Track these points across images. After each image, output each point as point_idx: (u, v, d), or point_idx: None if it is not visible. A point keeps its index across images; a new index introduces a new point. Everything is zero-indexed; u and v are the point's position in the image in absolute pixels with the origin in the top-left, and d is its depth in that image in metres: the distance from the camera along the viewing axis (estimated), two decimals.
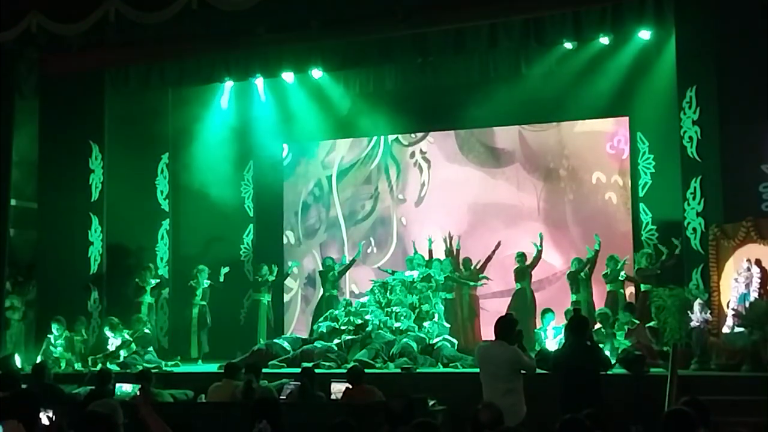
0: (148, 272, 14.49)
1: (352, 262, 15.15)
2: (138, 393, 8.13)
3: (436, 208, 14.50)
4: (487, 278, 14.19)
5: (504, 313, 10.23)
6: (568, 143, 15.12)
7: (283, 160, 16.67)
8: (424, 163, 15.97)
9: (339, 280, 15.01)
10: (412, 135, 16.08)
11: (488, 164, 15.53)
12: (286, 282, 16.19)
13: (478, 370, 8.18)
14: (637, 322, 12.11)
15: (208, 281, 14.59)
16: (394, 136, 16.12)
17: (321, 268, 15.28)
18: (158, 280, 14.70)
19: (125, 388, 9.90)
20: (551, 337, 12.56)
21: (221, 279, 14.72)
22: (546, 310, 13.10)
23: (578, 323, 8.76)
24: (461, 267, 14.32)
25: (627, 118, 14.61)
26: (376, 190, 16.18)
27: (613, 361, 10.85)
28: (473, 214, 14.81)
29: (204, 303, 14.61)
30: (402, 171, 16.08)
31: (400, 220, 15.83)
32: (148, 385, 8.96)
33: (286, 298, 16.01)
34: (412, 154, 16.07)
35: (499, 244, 14.22)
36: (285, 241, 16.52)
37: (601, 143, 14.91)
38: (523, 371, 7.85)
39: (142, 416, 5.48)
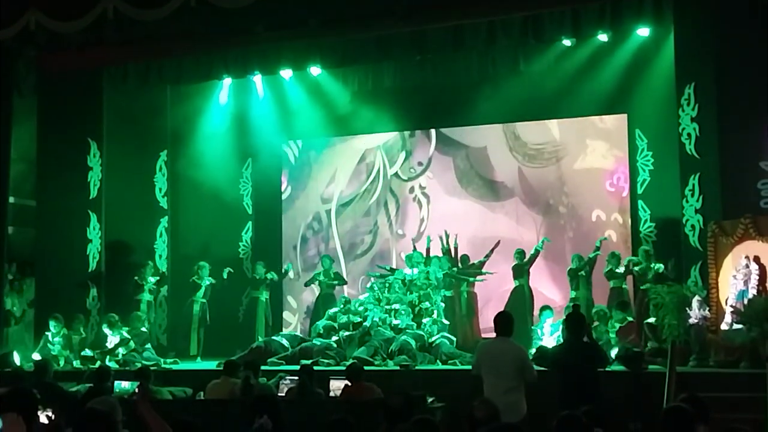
0: (147, 269, 14.48)
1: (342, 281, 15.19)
2: (137, 390, 8.13)
3: (435, 241, 14.42)
4: (490, 273, 14.15)
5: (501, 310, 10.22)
6: (568, 180, 15.02)
7: (282, 193, 16.56)
8: (424, 198, 15.90)
9: (333, 280, 15.00)
10: (411, 169, 15.97)
11: (487, 198, 15.44)
12: (285, 317, 16.16)
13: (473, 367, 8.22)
14: (630, 319, 12.13)
15: (210, 278, 14.58)
16: (394, 171, 16.04)
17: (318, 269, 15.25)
18: (158, 278, 14.70)
19: (124, 386, 9.91)
20: (548, 333, 12.58)
21: (224, 277, 14.69)
22: (544, 307, 13.14)
23: (575, 320, 8.76)
24: (459, 264, 14.30)
25: (627, 153, 14.53)
26: (375, 224, 16.11)
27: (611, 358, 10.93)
28: (473, 247, 14.61)
29: (205, 300, 14.60)
30: (401, 206, 16.02)
31: (399, 255, 15.55)
32: (147, 383, 8.95)
33: (285, 330, 15.57)
34: (411, 189, 15.99)
35: (498, 243, 14.22)
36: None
37: (601, 181, 14.80)
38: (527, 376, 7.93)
39: (140, 413, 5.48)
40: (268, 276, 14.84)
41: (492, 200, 15.41)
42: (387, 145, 16.17)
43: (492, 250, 14.14)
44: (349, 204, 16.29)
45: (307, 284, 15.40)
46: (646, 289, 12.54)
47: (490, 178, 15.51)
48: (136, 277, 14.33)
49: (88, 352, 13.13)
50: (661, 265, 12.74)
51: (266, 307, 14.93)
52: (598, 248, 13.54)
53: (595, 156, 14.90)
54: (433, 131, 15.89)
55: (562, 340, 11.31)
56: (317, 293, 15.09)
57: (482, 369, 7.99)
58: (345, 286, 15.47)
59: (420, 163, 15.87)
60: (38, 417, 5.41)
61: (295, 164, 16.66)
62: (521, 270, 13.98)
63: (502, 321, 8.22)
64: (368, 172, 16.23)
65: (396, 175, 16.09)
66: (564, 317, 9.75)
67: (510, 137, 15.39)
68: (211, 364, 12.52)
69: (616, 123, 14.77)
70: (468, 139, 15.68)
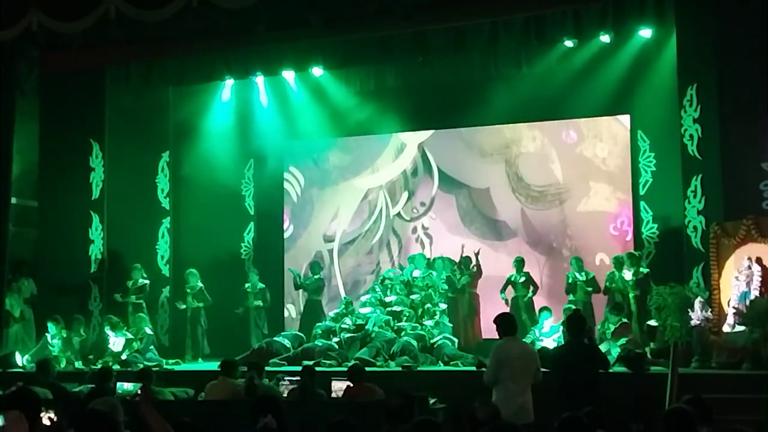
0: (135, 272, 14.46)
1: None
2: (139, 391, 8.13)
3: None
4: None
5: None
6: (571, 223, 14.91)
7: (284, 232, 16.46)
8: (426, 239, 15.80)
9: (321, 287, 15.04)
10: (414, 210, 15.90)
11: (490, 237, 15.28)
12: (286, 316, 16.08)
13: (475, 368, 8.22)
14: (626, 321, 12.14)
15: (200, 283, 14.57)
16: (396, 211, 15.96)
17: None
18: (146, 281, 14.57)
19: (126, 386, 9.90)
20: (548, 335, 12.57)
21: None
22: (543, 309, 13.13)
23: (576, 322, 8.75)
24: (461, 266, 14.28)
25: (630, 195, 14.43)
26: (378, 265, 16.01)
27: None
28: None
29: (199, 305, 14.58)
30: (404, 246, 15.91)
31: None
32: (149, 384, 8.95)
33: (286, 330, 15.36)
34: (414, 230, 15.92)
35: (479, 250, 14.20)
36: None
37: (605, 224, 14.69)
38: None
39: (142, 414, 5.48)
40: (259, 286, 14.85)
41: (495, 239, 15.22)
42: (389, 184, 16.07)
43: (477, 260, 14.11)
44: (352, 243, 16.16)
45: (297, 287, 15.34)
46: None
47: (492, 218, 15.37)
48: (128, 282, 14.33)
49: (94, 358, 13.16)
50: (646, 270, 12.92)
51: (256, 314, 14.85)
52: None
53: (599, 199, 14.76)
54: (435, 171, 15.74)
55: (563, 342, 11.38)
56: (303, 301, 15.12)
57: (502, 372, 7.95)
58: (341, 289, 15.47)
59: (422, 204, 15.68)
60: (41, 417, 5.41)
61: (297, 202, 16.54)
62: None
63: (507, 321, 8.23)
64: (371, 211, 16.13)
65: (398, 215, 15.99)
66: (564, 319, 9.76)
67: (513, 178, 15.28)
68: (214, 365, 12.50)
69: (620, 163, 14.61)
70: (470, 180, 15.56)
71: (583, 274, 13.48)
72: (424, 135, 15.94)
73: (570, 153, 15.02)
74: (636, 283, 12.76)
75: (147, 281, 14.57)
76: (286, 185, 16.61)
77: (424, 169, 15.95)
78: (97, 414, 4.92)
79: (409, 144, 16.05)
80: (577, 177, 14.91)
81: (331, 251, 16.27)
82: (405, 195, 16.02)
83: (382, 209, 16.12)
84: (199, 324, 14.57)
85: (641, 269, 12.92)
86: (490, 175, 15.43)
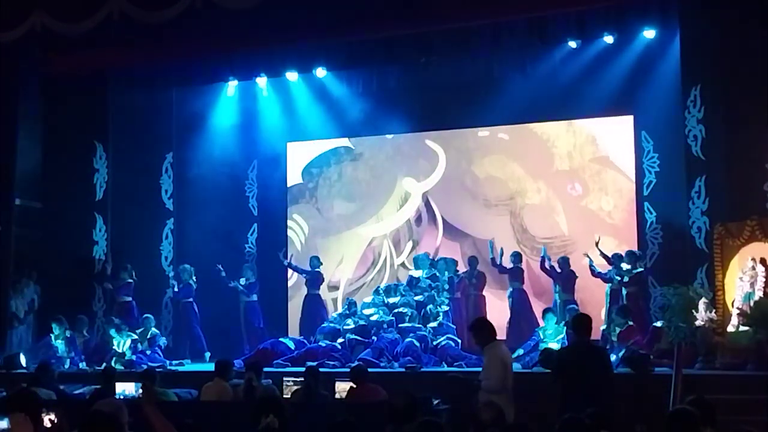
0: (123, 272, 14.46)
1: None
2: (141, 392, 8.13)
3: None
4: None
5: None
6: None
7: (287, 280, 16.22)
8: None
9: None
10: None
11: (494, 285, 14.72)
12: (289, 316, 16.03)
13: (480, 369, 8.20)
14: (631, 323, 12.12)
15: (193, 280, 14.62)
16: (401, 260, 15.84)
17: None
18: (132, 281, 14.53)
19: (129, 388, 9.89)
20: (552, 337, 12.55)
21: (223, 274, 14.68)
22: (547, 310, 13.10)
23: (582, 321, 8.67)
24: (467, 267, 14.29)
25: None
26: None
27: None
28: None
29: (190, 300, 14.62)
30: None
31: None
32: (152, 385, 8.94)
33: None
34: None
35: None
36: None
37: None
38: None
39: (146, 415, 5.47)
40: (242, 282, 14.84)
41: (498, 288, 14.82)
42: (394, 232, 15.94)
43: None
44: (357, 292, 15.87)
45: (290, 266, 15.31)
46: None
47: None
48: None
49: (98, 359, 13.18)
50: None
51: (248, 311, 14.86)
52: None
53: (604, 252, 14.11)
54: (440, 221, 15.60)
55: (566, 342, 11.37)
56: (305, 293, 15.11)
57: (507, 375, 8.04)
58: (342, 289, 15.54)
59: (427, 254, 15.22)
60: (43, 419, 5.42)
61: (301, 250, 16.32)
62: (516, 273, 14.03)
63: (489, 325, 8.26)
64: (374, 259, 16.02)
65: (403, 264, 15.85)
66: (570, 319, 9.73)
67: (518, 229, 15.13)
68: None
69: (625, 217, 14.48)
70: (475, 230, 15.38)
71: None
72: (428, 184, 15.73)
73: (575, 205, 14.88)
74: (631, 279, 12.85)
75: (131, 281, 14.48)
76: (290, 233, 16.38)
77: (428, 219, 15.83)
78: (102, 415, 4.93)
79: (413, 193, 15.89)
80: (583, 230, 14.64)
81: (335, 300, 16.00)
82: (410, 244, 15.88)
83: (386, 258, 16.03)
84: (189, 322, 14.59)
85: (638, 268, 12.96)
86: (495, 226, 15.18)
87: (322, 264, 15.30)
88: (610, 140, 14.82)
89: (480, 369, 8.51)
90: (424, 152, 15.87)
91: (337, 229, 16.38)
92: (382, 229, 16.12)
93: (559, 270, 13.76)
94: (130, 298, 14.38)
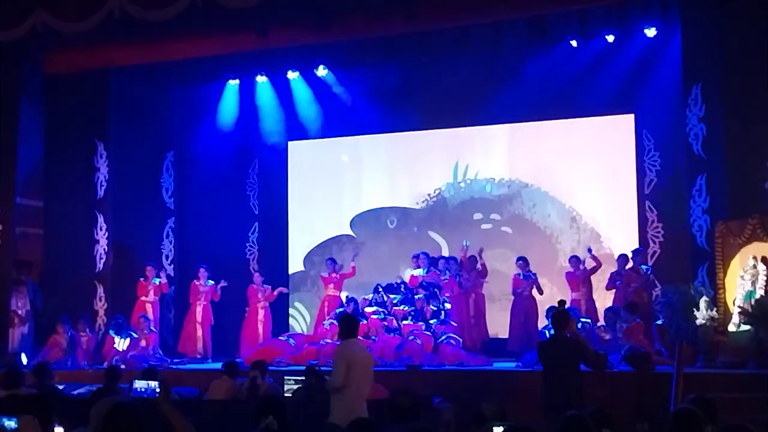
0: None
1: None
2: (158, 390, 8.11)
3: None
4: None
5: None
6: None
7: (287, 280, 16.10)
8: None
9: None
10: None
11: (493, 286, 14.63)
12: (291, 315, 16.03)
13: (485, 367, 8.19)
14: (638, 320, 12.11)
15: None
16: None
17: None
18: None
19: (141, 386, 9.86)
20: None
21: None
22: (551, 308, 13.07)
23: (559, 315, 8.59)
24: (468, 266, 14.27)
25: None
26: None
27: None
28: None
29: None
30: None
31: None
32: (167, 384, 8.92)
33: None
34: None
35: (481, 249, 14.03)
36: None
37: None
38: None
39: (163, 413, 5.45)
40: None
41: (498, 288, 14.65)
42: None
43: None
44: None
45: None
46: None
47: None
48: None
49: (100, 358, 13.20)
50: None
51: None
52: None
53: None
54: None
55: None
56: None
57: (349, 376, 7.56)
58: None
59: (427, 254, 14.84)
60: (54, 423, 5.41)
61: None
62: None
63: (351, 321, 7.97)
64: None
65: None
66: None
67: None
68: (217, 365, 12.52)
69: (625, 218, 14.42)
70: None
71: None
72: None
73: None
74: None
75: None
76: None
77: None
78: (125, 407, 4.82)
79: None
80: None
81: None
82: None
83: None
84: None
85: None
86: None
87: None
88: (610, 140, 14.78)
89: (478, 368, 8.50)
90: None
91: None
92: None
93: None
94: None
